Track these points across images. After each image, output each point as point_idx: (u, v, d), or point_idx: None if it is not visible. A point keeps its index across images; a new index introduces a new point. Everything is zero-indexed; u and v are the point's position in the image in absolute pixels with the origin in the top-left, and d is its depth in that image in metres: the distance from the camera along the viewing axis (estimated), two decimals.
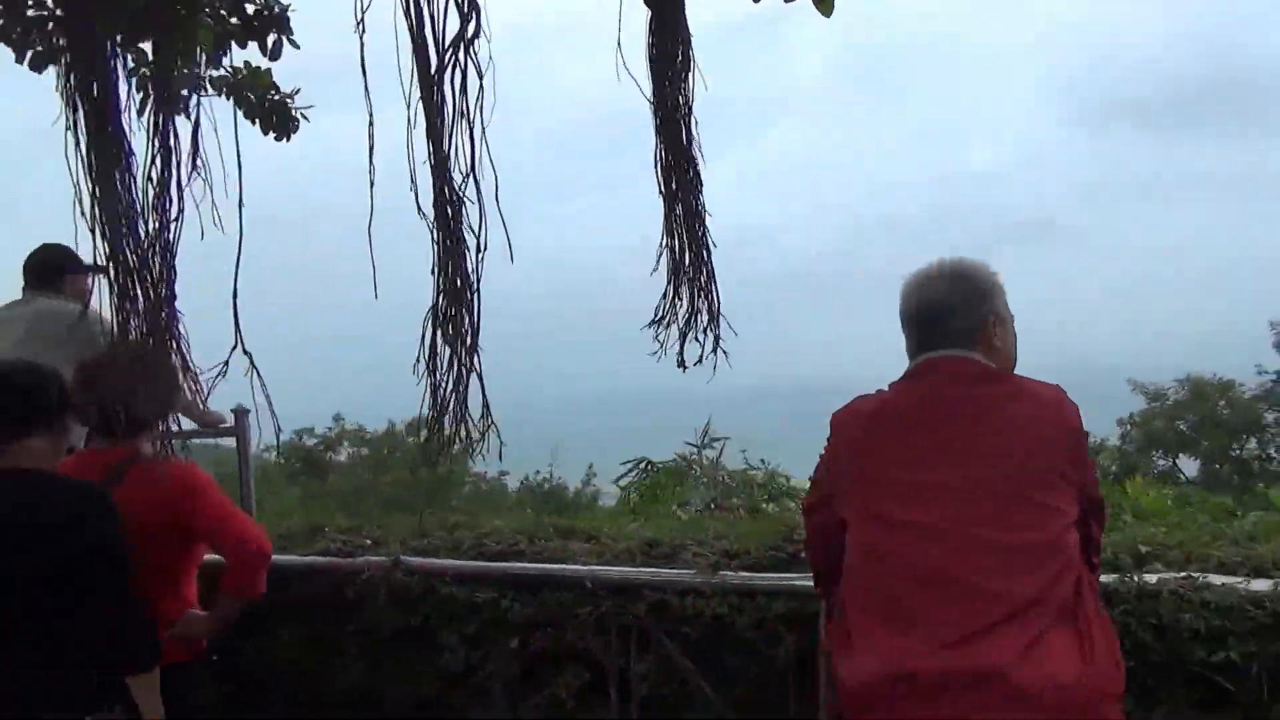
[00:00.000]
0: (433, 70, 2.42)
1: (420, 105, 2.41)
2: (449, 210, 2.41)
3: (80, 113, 2.42)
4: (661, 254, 2.88)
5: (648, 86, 2.83)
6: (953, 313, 2.13)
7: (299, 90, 3.45)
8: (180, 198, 2.46)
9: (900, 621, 1.92)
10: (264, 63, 3.25)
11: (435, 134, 2.41)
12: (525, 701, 3.16)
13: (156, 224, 2.47)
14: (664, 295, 2.88)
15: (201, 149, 2.40)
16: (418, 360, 2.39)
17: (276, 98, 3.40)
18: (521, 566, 3.19)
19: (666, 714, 2.97)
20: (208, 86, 4.84)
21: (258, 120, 3.41)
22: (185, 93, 2.75)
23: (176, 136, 2.48)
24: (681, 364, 2.86)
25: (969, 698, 1.80)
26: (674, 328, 2.87)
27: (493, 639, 3.17)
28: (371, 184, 2.54)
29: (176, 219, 2.45)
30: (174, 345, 2.42)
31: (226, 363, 2.18)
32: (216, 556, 3.06)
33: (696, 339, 2.89)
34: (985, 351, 2.15)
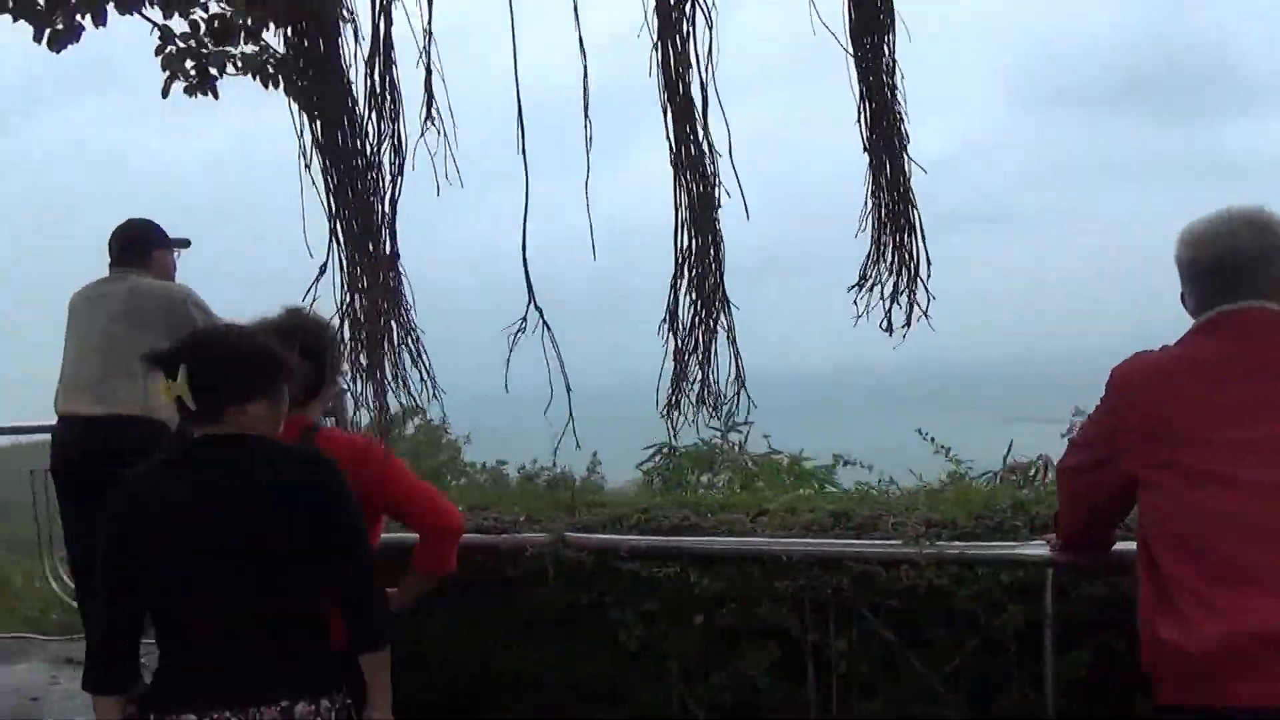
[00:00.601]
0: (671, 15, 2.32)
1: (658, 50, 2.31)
2: (691, 160, 2.31)
3: (303, 61, 2.28)
4: (866, 215, 2.79)
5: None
6: (1260, 263, 2.05)
7: None
8: (403, 149, 2.33)
9: (1243, 581, 1.83)
10: None
11: (675, 82, 2.30)
12: (707, 680, 3.06)
13: (375, 178, 2.33)
14: (868, 257, 2.80)
15: (435, 98, 2.25)
16: (663, 321, 2.29)
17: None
18: (709, 540, 3.08)
19: (867, 691, 2.88)
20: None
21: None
22: None
23: (396, 86, 2.34)
24: (888, 328, 2.78)
25: None
26: (877, 290, 2.80)
27: (673, 616, 3.06)
28: (588, 139, 2.43)
29: (399, 173, 2.32)
30: (398, 309, 2.29)
31: (525, 318, 2.05)
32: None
33: (898, 303, 2.81)
34: (1278, 302, 2.08)
